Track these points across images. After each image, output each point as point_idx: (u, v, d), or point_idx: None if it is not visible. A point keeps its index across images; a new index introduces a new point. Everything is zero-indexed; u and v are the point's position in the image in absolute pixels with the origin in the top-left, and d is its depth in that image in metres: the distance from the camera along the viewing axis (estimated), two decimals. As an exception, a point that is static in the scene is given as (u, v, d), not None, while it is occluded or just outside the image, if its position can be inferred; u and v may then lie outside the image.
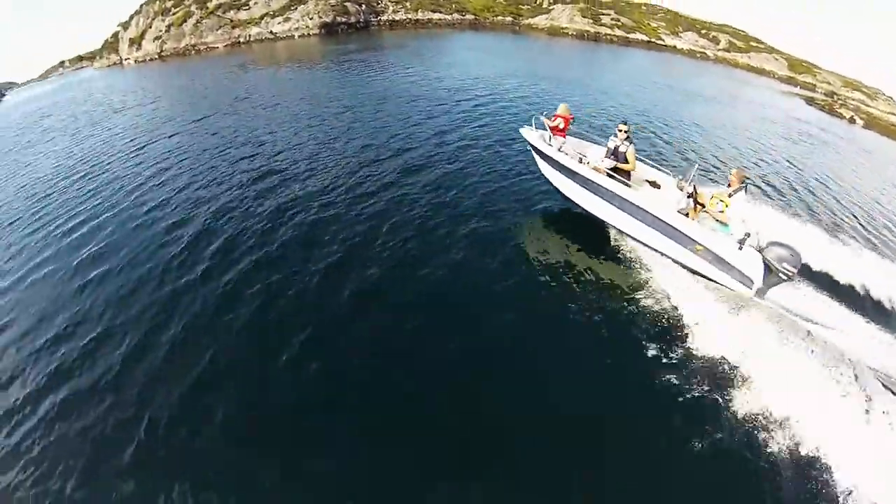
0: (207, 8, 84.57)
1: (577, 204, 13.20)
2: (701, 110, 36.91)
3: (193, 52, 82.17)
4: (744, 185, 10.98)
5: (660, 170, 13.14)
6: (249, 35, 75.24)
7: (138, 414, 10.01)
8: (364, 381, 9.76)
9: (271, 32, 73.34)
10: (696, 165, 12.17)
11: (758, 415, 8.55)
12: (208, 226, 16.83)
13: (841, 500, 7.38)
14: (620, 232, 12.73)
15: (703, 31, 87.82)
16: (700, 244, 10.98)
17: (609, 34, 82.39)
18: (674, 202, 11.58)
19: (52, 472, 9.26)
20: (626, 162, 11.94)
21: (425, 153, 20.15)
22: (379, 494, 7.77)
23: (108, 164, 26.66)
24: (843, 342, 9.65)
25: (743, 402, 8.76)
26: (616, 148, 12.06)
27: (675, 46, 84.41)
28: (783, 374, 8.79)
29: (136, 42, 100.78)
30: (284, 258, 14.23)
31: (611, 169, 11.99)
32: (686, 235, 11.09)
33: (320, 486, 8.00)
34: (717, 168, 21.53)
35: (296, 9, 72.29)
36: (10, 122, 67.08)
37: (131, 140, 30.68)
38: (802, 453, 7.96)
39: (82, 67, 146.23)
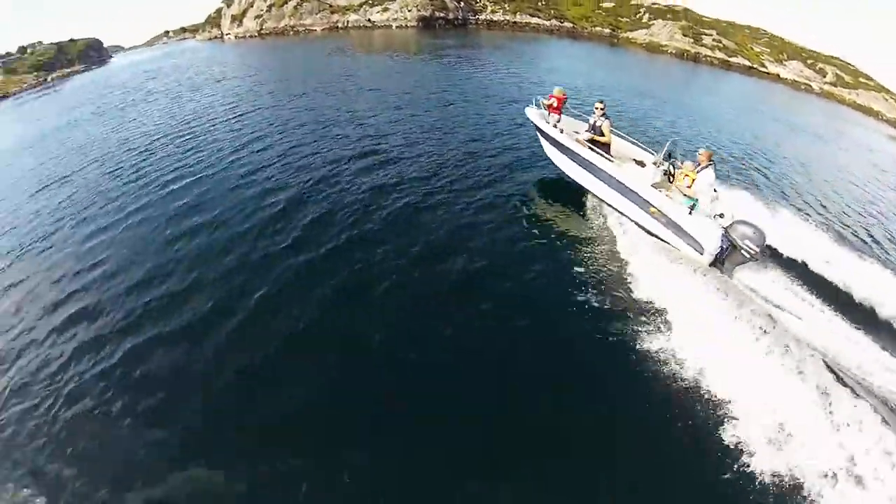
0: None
1: (564, 172, 15.17)
2: (805, 147, 33.79)
3: (291, 32, 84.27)
4: (711, 163, 11.68)
5: (645, 150, 14.38)
6: (347, 21, 76.44)
7: (202, 370, 10.14)
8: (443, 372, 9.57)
9: (369, 20, 74.15)
10: (670, 141, 13.15)
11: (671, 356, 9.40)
12: (304, 197, 16.51)
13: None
14: (595, 196, 14.38)
15: (810, 62, 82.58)
16: (654, 207, 12.05)
17: (709, 55, 78.62)
18: (650, 176, 12.66)
19: (113, 411, 9.58)
20: (602, 135, 13.84)
21: (532, 153, 19.22)
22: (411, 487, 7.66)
23: (209, 128, 27.11)
24: (803, 331, 9.89)
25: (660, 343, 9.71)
26: (594, 123, 14.02)
27: (778, 75, 79.67)
28: (713, 330, 9.44)
29: (237, 19, 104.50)
30: (378, 240, 13.56)
31: (589, 141, 13.87)
32: (644, 199, 12.29)
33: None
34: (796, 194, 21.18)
35: (393, 1, 72.78)
36: (117, 82, 70.67)
37: (231, 108, 31.21)
38: (705, 394, 8.68)
39: (185, 38, 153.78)
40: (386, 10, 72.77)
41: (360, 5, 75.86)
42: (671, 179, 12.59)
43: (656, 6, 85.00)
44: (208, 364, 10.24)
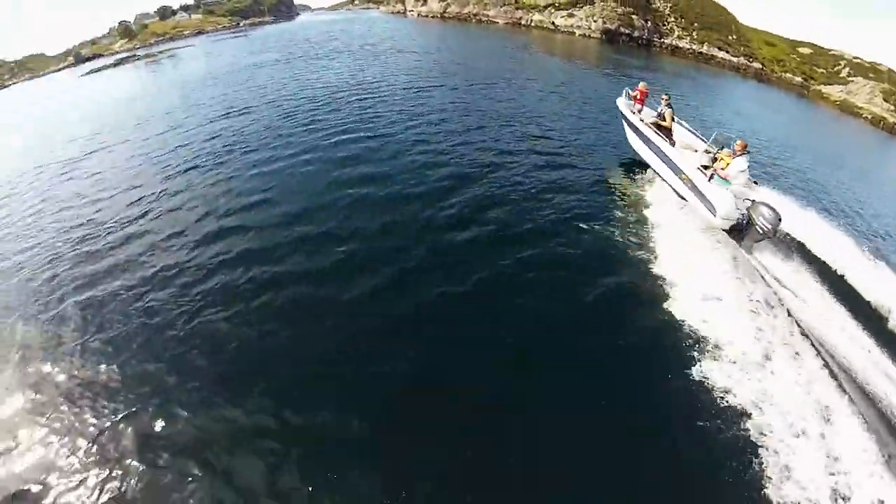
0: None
1: (636, 152, 18.13)
2: None
3: (473, 20, 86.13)
4: (746, 153, 13.46)
5: (700, 138, 16.16)
6: (531, 20, 76.58)
7: (327, 315, 10.78)
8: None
9: (553, 24, 73.58)
10: (717, 131, 15.18)
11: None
12: (480, 183, 16.53)
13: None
14: (652, 170, 17.05)
15: None
16: (685, 174, 14.55)
17: (913, 132, 70.52)
18: (697, 159, 14.73)
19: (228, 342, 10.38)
20: (664, 120, 16.92)
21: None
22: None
23: (387, 94, 28.17)
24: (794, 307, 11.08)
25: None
26: (660, 111, 17.24)
27: None
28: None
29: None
30: (539, 238, 13.56)
31: (654, 125, 16.75)
32: (680, 168, 14.82)
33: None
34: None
35: (581, 7, 72.12)
36: (303, 37, 75.92)
37: (412, 80, 32.41)
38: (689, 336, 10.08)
39: (369, 8, 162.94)
40: (571, 15, 72.12)
41: (546, 6, 75.82)
42: (713, 162, 14.53)
43: (858, 61, 76.86)
44: (335, 313, 10.78)
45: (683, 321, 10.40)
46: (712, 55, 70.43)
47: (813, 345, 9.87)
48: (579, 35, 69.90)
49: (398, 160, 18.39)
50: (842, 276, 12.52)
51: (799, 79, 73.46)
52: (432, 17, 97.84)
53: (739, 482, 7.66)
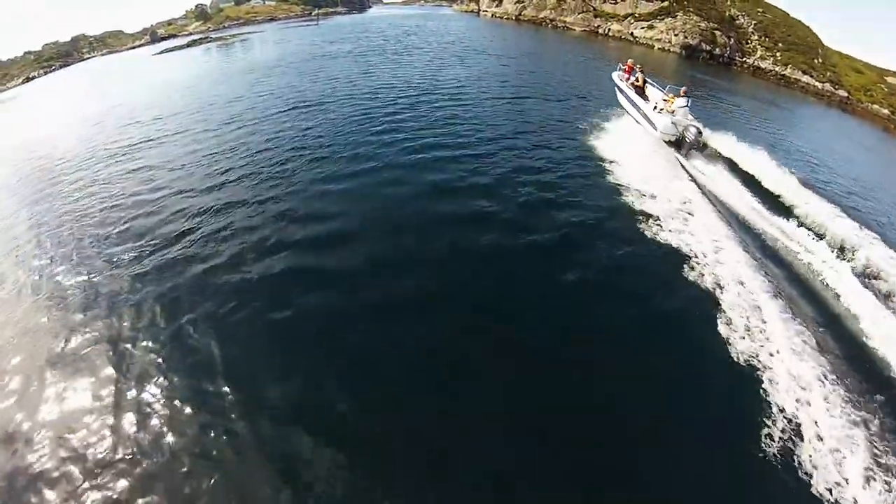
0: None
1: (621, 105, 26.01)
2: None
3: (549, 24, 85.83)
4: (686, 97, 21.02)
5: (660, 90, 23.65)
6: (609, 29, 75.93)
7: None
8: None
9: (632, 35, 72.81)
10: (669, 86, 23.13)
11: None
12: (547, 189, 17.01)
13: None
14: (628, 115, 24.83)
15: None
16: (643, 110, 22.34)
17: None
18: (654, 101, 22.31)
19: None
20: (638, 81, 24.56)
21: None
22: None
23: (476, 102, 28.09)
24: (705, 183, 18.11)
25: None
26: (636, 77, 24.87)
27: None
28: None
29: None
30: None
31: (632, 85, 24.63)
32: (642, 109, 22.49)
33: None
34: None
35: (662, 20, 70.90)
36: (376, 29, 78.52)
37: (498, 86, 32.49)
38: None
39: (440, 5, 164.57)
40: (651, 27, 70.99)
41: (626, 16, 74.99)
42: (664, 102, 21.61)
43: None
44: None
45: (629, 184, 17.45)
46: (796, 79, 67.74)
47: (706, 197, 16.65)
48: (658, 49, 68.72)
49: (504, 190, 16.61)
50: (744, 171, 18.62)
51: (886, 111, 70.15)
52: (507, 18, 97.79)
53: (654, 270, 13.17)
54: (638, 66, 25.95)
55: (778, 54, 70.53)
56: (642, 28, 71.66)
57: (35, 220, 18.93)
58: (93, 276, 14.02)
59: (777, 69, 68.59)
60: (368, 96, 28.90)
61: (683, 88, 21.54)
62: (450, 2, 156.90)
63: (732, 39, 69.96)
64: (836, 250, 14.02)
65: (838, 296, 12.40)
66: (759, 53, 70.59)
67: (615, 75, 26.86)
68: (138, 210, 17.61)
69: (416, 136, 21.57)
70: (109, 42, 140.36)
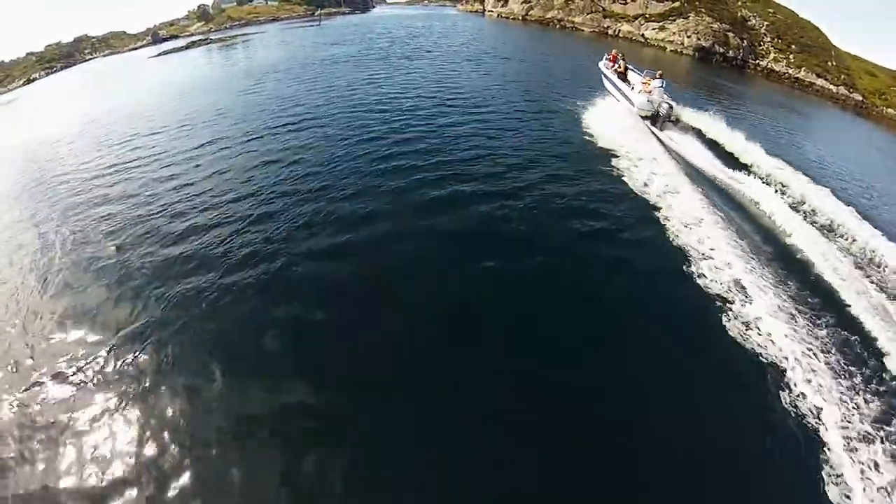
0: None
1: (607, 90, 29.22)
2: None
3: (557, 25, 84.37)
4: (661, 79, 24.08)
5: (638, 74, 26.72)
6: (619, 30, 74.64)
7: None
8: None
9: (642, 36, 71.56)
10: (647, 70, 26.49)
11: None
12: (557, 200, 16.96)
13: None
14: (612, 97, 28.23)
15: None
16: (623, 91, 25.91)
17: None
18: (634, 84, 25.63)
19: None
20: (621, 68, 28.24)
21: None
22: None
23: (484, 106, 27.90)
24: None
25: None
26: (621, 64, 28.61)
27: None
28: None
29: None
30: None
31: (615, 71, 28.32)
32: (623, 91, 25.91)
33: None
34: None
35: (674, 20, 69.31)
36: (381, 30, 77.17)
37: (522, 96, 31.31)
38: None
39: (444, 5, 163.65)
40: (663, 28, 69.51)
41: (636, 17, 73.46)
42: (643, 84, 24.34)
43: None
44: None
45: (612, 148, 21.12)
46: (810, 82, 66.05)
47: (672, 156, 20.52)
48: (670, 51, 67.33)
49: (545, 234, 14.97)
50: (713, 140, 22.13)
51: (904, 115, 68.52)
52: (513, 19, 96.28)
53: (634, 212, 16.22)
54: (620, 55, 29.81)
55: (791, 56, 68.99)
56: (653, 29, 70.31)
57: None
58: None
59: (791, 72, 66.99)
60: (373, 111, 26.17)
61: (659, 72, 24.74)
62: (453, 2, 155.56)
63: (745, 41, 68.50)
64: (776, 189, 17.92)
65: (770, 216, 16.30)
66: (772, 56, 69.03)
67: (601, 64, 30.63)
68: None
69: (431, 165, 18.71)
70: (112, 43, 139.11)
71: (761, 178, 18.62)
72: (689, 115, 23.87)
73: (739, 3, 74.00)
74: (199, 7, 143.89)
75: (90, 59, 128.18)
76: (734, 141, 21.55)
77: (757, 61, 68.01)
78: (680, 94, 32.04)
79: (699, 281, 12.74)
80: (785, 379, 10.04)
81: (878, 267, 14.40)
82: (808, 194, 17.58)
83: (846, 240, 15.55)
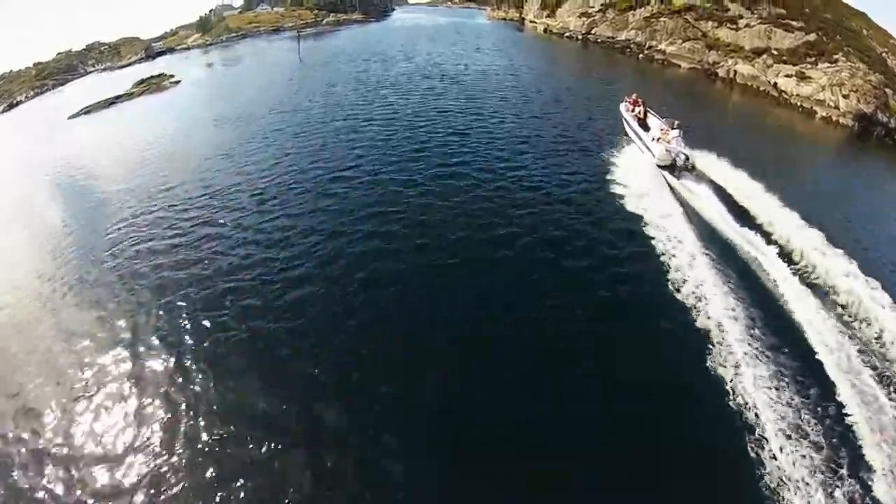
0: (672, 4, 64.25)
1: (628, 135, 29.18)
2: None
3: (636, 52, 62.99)
4: (678, 129, 24.70)
5: (660, 119, 27.47)
6: (732, 71, 52.41)
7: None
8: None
9: (773, 86, 48.45)
10: (667, 118, 27.00)
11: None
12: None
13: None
14: (630, 140, 28.61)
15: None
16: (644, 140, 26.08)
17: None
18: (654, 132, 25.96)
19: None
20: (641, 114, 28.60)
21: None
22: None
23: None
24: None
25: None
26: (641, 110, 28.97)
27: None
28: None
29: (549, 6, 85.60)
30: None
31: (635, 116, 28.52)
32: (643, 139, 26.25)
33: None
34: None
35: (814, 64, 47.18)
36: (394, 51, 63.60)
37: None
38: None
39: (469, 7, 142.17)
40: (804, 79, 46.48)
41: (756, 52, 51.93)
42: (661, 133, 25.29)
43: None
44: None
45: (629, 183, 23.21)
46: None
47: (680, 204, 21.43)
48: (821, 117, 44.06)
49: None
50: (723, 189, 22.00)
51: None
52: (567, 36, 75.42)
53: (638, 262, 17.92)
54: (640, 99, 29.67)
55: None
56: (788, 76, 47.57)
57: None
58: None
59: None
60: (382, 111, 34.50)
61: (677, 122, 25.45)
62: (479, 3, 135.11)
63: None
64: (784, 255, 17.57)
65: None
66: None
67: (622, 106, 30.44)
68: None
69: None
70: (123, 51, 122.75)
71: (781, 250, 17.87)
72: (704, 163, 23.59)
73: (866, 34, 53.86)
74: (201, 18, 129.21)
75: (91, 70, 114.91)
76: (755, 197, 21.01)
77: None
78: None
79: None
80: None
81: None
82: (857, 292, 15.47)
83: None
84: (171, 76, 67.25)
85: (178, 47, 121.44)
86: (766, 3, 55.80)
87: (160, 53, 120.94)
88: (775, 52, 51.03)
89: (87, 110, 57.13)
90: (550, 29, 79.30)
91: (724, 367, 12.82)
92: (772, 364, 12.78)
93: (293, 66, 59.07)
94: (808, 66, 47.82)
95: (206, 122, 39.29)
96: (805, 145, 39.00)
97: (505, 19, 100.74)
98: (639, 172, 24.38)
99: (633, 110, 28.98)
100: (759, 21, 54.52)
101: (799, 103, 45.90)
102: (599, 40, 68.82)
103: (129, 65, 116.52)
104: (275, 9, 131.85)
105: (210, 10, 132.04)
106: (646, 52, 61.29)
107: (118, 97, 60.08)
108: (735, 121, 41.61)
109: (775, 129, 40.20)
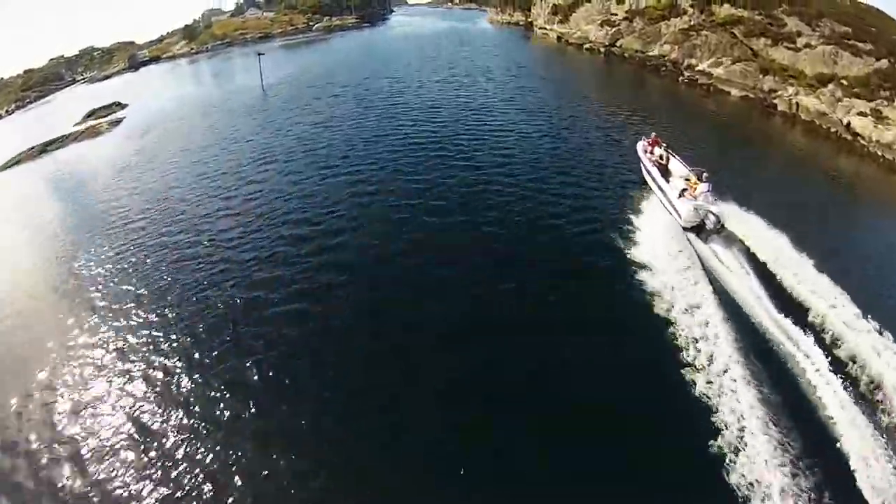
0: (714, 15, 55.47)
1: (646, 181, 25.25)
2: None
3: (675, 72, 53.70)
4: (707, 181, 21.01)
5: (686, 167, 23.81)
6: (794, 102, 43.27)
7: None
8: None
9: (847, 127, 38.67)
10: (696, 168, 22.99)
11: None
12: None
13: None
14: (650, 189, 24.70)
15: None
16: (667, 195, 22.33)
17: None
18: (680, 184, 22.33)
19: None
20: (662, 158, 24.93)
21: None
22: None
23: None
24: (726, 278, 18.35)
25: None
26: (659, 153, 25.36)
27: None
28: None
29: (562, 11, 76.61)
30: None
31: (655, 161, 24.72)
32: (667, 194, 22.36)
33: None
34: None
35: (891, 100, 38.57)
36: (391, 70, 60.33)
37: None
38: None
39: (469, 8, 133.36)
40: (881, 119, 37.16)
41: (826, 81, 42.72)
42: (688, 185, 22.00)
43: None
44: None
45: (651, 260, 19.40)
46: None
47: (708, 276, 17.89)
48: None
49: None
50: (754, 254, 18.72)
51: None
52: (587, 48, 66.83)
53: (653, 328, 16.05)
54: (661, 139, 26.34)
55: None
56: (864, 114, 38.22)
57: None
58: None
59: None
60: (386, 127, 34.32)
61: (705, 174, 21.69)
62: (479, 4, 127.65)
63: None
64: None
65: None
66: None
67: (639, 146, 26.62)
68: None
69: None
70: (117, 57, 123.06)
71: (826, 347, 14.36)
72: (736, 224, 19.93)
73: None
74: (186, 27, 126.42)
75: (79, 80, 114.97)
76: (793, 268, 17.40)
77: None
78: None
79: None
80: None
81: None
82: None
83: None
84: (122, 106, 61.62)
85: (164, 56, 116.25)
86: (829, 18, 47.11)
87: (143, 63, 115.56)
88: (844, 82, 42.27)
89: (18, 161, 50.14)
90: (566, 39, 70.52)
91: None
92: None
93: (255, 98, 52.21)
94: (884, 102, 39.08)
95: (104, 210, 30.64)
96: (885, 211, 29.33)
97: (510, 23, 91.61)
98: (660, 239, 20.68)
99: (651, 152, 25.52)
100: (821, 40, 45.67)
101: (880, 152, 36.20)
102: (627, 55, 60.12)
103: (111, 76, 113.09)
104: (265, 14, 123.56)
105: (200, 15, 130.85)
106: (685, 72, 52.53)
107: (54, 140, 52.99)
108: (793, 170, 32.94)
109: (847, 188, 31.42)
